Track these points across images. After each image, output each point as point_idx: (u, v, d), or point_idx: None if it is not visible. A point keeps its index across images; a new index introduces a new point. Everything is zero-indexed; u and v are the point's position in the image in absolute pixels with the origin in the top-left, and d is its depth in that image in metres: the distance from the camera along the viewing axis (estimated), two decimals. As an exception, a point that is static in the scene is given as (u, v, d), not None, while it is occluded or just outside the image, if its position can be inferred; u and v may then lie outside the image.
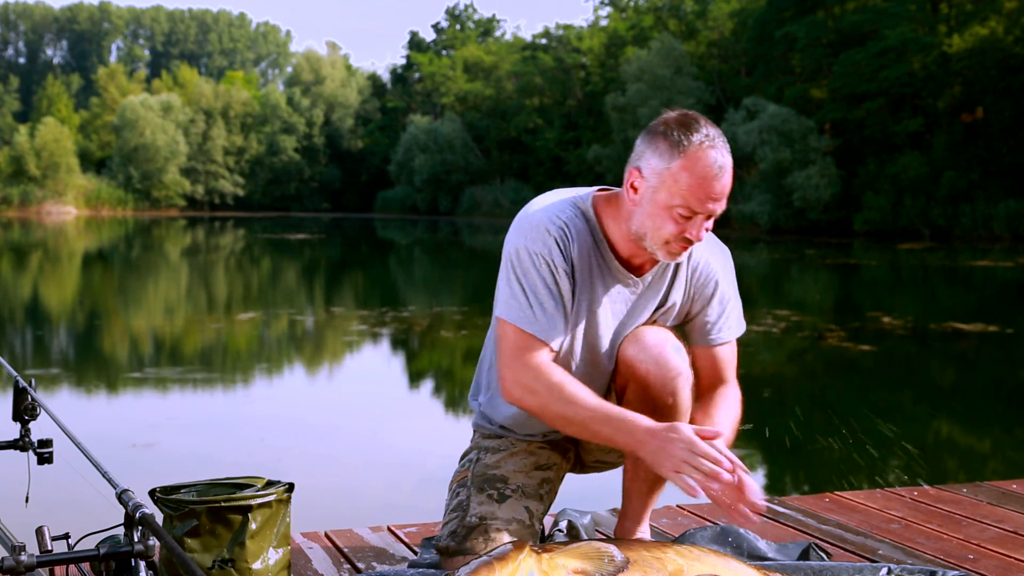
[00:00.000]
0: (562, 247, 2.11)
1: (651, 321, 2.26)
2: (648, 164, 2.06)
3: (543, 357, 2.10)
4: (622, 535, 2.44)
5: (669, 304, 2.25)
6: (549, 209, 2.16)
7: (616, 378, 2.25)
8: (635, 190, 2.08)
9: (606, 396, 2.25)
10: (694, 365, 2.25)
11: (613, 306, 2.19)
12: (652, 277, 2.20)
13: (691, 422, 2.19)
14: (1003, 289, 18.13)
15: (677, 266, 2.22)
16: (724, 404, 2.25)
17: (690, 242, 2.08)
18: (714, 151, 2.02)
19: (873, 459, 6.41)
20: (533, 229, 2.13)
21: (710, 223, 2.10)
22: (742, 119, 36.19)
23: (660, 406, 2.15)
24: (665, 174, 2.03)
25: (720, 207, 2.07)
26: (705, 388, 2.29)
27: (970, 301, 16.01)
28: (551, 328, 2.10)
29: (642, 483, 2.37)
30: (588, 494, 3.08)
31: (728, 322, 2.30)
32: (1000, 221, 30.37)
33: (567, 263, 2.12)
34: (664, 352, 2.16)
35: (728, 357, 2.32)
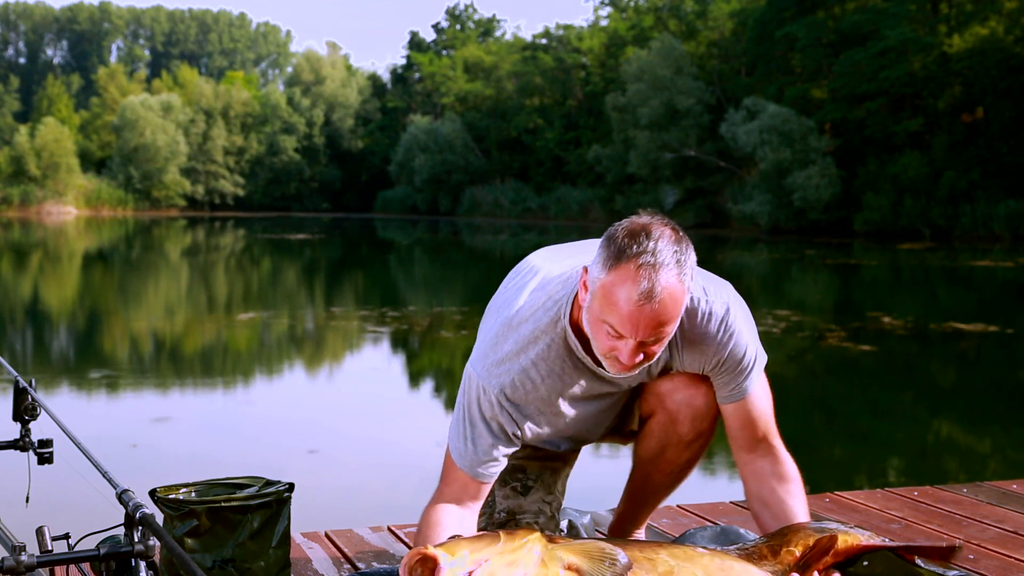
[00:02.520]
0: (516, 395, 2.01)
1: (616, 418, 2.19)
2: (592, 268, 1.88)
3: (452, 490, 2.06)
4: (619, 535, 2.45)
5: (661, 369, 2.12)
6: (519, 342, 2.01)
7: (643, 403, 2.22)
8: (584, 289, 1.91)
9: (628, 415, 2.25)
10: (724, 421, 2.15)
11: (593, 398, 2.11)
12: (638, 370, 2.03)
13: (758, 507, 2.17)
14: (1003, 289, 18.13)
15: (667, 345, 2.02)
16: (790, 490, 2.15)
17: (624, 366, 1.87)
18: (647, 272, 1.78)
19: (873, 459, 6.41)
20: (494, 367, 2.02)
21: (654, 348, 1.87)
22: (742, 119, 36.18)
23: (676, 445, 2.19)
24: (598, 284, 1.84)
25: (652, 336, 1.83)
26: (744, 447, 2.15)
27: (970, 301, 16.01)
28: (478, 464, 2.04)
29: (651, 491, 2.38)
30: (588, 494, 3.08)
31: (745, 375, 2.10)
32: (1000, 221, 30.37)
33: (517, 410, 2.02)
34: (698, 398, 2.15)
35: (759, 410, 2.14)
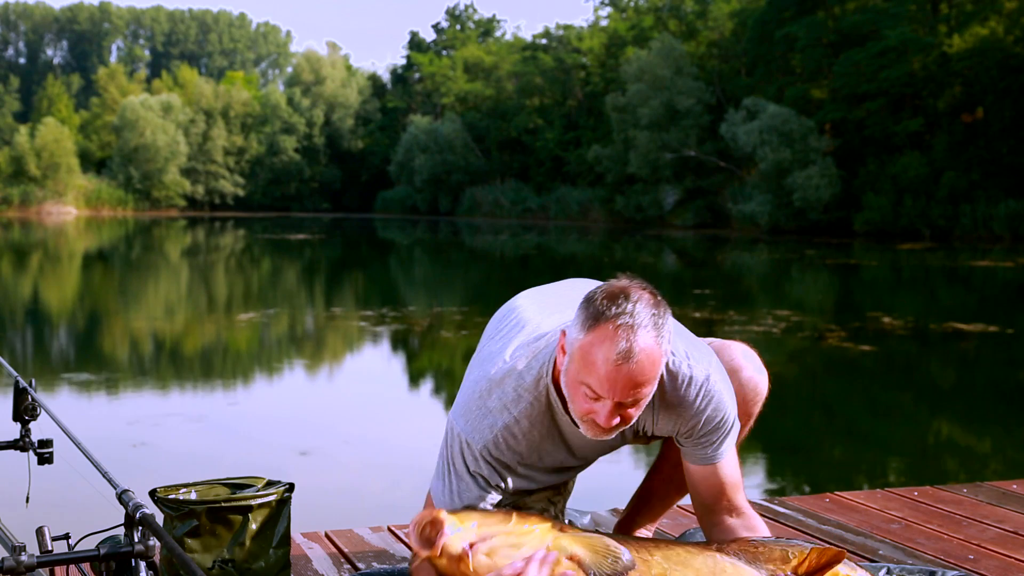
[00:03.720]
0: (500, 451, 2.01)
1: (629, 442, 2.18)
2: (570, 330, 1.89)
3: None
4: (627, 531, 2.46)
5: (647, 435, 2.13)
6: (503, 399, 2.01)
7: None
8: (563, 352, 1.92)
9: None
10: (692, 484, 2.14)
11: (578, 449, 2.11)
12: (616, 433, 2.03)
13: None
14: (1003, 289, 18.13)
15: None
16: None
17: (601, 428, 1.88)
18: (625, 333, 1.80)
19: (873, 459, 6.41)
20: (477, 421, 2.02)
21: (632, 411, 1.87)
22: (742, 119, 36.18)
23: (743, 408, 2.19)
24: (576, 346, 1.86)
25: (630, 397, 1.83)
26: (712, 510, 2.14)
27: (970, 301, 16.01)
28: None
29: (674, 489, 2.40)
30: (588, 494, 3.07)
31: (719, 442, 2.09)
32: (1000, 221, 30.37)
33: (501, 466, 2.03)
34: (761, 368, 2.22)
35: (730, 476, 2.13)
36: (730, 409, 2.07)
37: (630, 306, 1.83)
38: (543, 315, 2.15)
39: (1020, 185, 30.69)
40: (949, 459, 6.42)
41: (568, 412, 2.01)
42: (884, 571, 2.26)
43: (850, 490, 3.22)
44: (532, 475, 2.10)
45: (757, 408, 2.25)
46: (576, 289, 2.15)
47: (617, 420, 1.87)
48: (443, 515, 1.78)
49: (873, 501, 3.06)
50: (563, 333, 1.93)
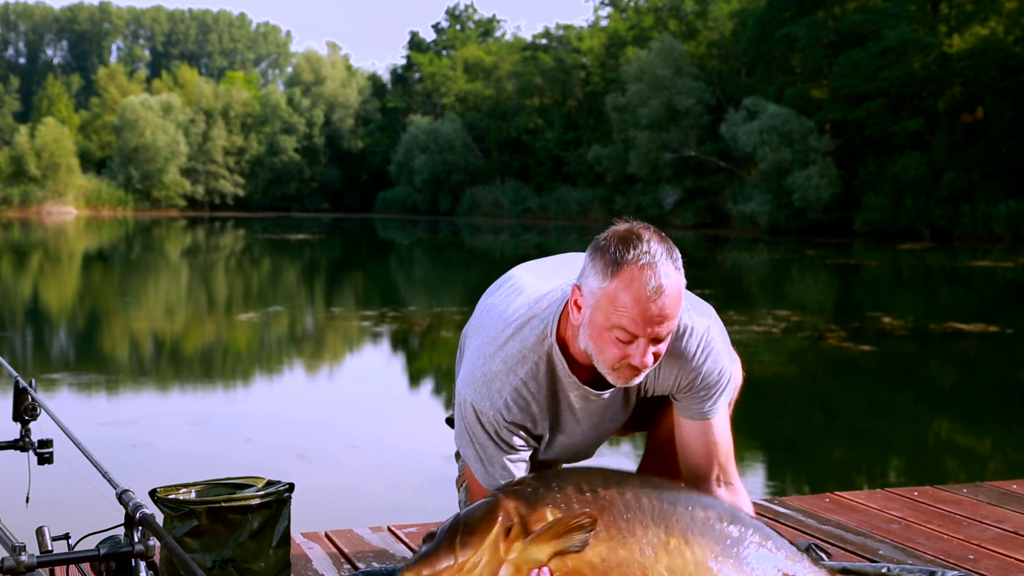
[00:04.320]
0: (513, 415, 2.03)
1: (633, 409, 2.19)
2: (587, 283, 1.92)
3: None
4: None
5: (648, 393, 2.14)
6: (507, 361, 2.03)
7: None
8: (578, 308, 1.95)
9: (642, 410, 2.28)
10: (685, 444, 2.14)
11: (585, 418, 2.12)
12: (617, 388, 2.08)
13: None
14: (1003, 289, 18.13)
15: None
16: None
17: (636, 369, 1.91)
18: (651, 270, 1.86)
19: (873, 459, 6.41)
20: (485, 388, 2.04)
21: (661, 347, 1.92)
22: (742, 119, 36.17)
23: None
24: (600, 294, 1.89)
25: (664, 329, 1.89)
26: (703, 475, 2.14)
27: (970, 301, 16.01)
28: (503, 480, 2.07)
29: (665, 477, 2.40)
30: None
31: (716, 396, 2.11)
32: (1000, 221, 30.36)
33: (518, 426, 2.04)
34: (735, 356, 2.23)
35: (723, 436, 2.14)
36: (727, 364, 2.10)
37: (645, 245, 1.88)
38: (540, 280, 2.17)
39: (1020, 185, 30.68)
40: (949, 459, 6.42)
41: (575, 372, 2.03)
42: (884, 571, 2.26)
43: (850, 490, 3.22)
44: (548, 435, 2.10)
45: (734, 395, 2.26)
46: (570, 259, 2.19)
47: (651, 359, 1.91)
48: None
49: (873, 501, 3.06)
50: (576, 288, 1.95)
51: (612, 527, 1.89)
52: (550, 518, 1.87)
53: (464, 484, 2.35)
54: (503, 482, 2.05)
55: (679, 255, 1.93)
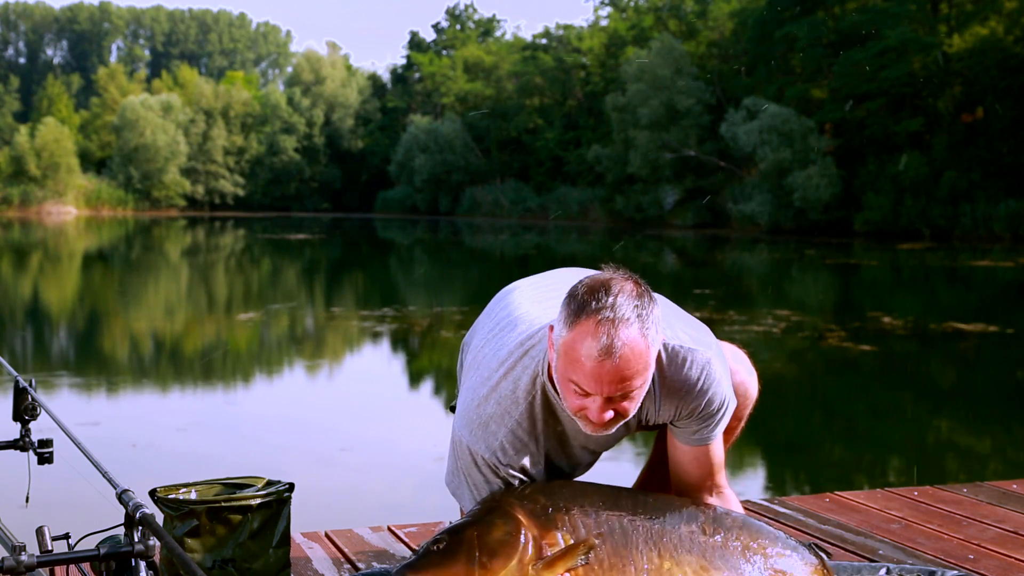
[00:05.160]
0: (509, 457, 2.00)
1: (627, 434, 2.18)
2: (557, 326, 1.88)
3: None
4: None
5: (648, 422, 2.11)
6: (502, 403, 2.00)
7: None
8: (552, 348, 1.91)
9: None
10: (678, 463, 2.14)
11: (583, 446, 2.10)
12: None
13: None
14: (1003, 289, 18.13)
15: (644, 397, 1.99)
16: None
17: (596, 425, 1.86)
18: (607, 328, 1.77)
19: (873, 459, 6.41)
20: (481, 430, 2.01)
21: (627, 404, 1.84)
22: (742, 119, 36.15)
23: (734, 411, 2.19)
24: (560, 343, 1.84)
25: (621, 390, 1.81)
26: (695, 488, 2.14)
27: (970, 301, 16.01)
28: None
29: (668, 486, 2.40)
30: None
31: (715, 423, 2.08)
32: (1000, 221, 30.36)
33: (515, 468, 2.02)
34: (752, 370, 2.24)
35: (717, 456, 2.13)
36: (728, 394, 2.07)
37: (611, 299, 1.80)
38: (537, 309, 2.13)
39: (1020, 185, 30.67)
40: (949, 459, 6.42)
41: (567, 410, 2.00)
42: (884, 571, 2.26)
43: (850, 490, 3.22)
44: (546, 469, 2.09)
45: (748, 411, 2.26)
46: (569, 278, 2.14)
47: (611, 415, 1.85)
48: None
49: (873, 501, 3.06)
50: (550, 329, 1.92)
51: (614, 555, 1.89)
52: (560, 541, 1.86)
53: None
54: None
55: (654, 314, 1.84)
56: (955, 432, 7.36)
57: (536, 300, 2.17)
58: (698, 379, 2.00)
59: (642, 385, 1.85)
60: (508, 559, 1.83)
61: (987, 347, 10.91)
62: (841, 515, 2.90)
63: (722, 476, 2.17)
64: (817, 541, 2.57)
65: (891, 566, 2.31)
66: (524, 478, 2.04)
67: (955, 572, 2.27)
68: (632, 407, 1.86)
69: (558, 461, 2.10)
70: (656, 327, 1.85)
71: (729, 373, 2.10)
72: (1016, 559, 2.52)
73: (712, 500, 2.14)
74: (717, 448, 2.13)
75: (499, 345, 2.09)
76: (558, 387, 1.90)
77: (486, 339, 2.16)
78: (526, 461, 2.02)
